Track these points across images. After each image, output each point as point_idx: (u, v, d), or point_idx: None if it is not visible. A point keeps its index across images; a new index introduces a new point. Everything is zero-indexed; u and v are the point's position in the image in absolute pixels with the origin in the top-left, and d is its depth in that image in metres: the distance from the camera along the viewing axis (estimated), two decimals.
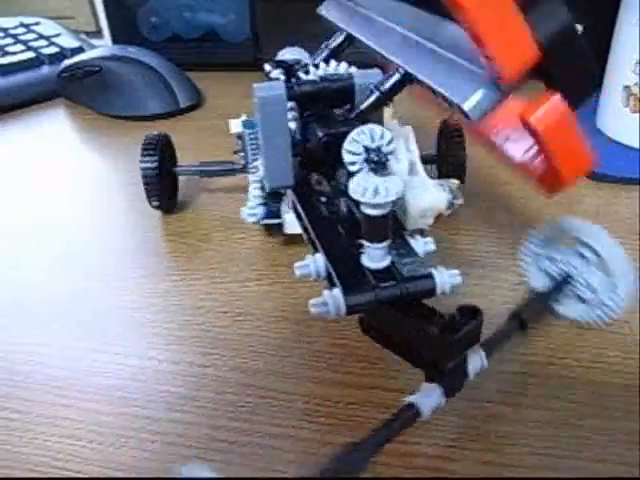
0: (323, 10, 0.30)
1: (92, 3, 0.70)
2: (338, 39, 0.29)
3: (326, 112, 0.23)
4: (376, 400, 0.22)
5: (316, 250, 0.21)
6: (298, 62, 0.27)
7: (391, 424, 0.18)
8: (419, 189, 0.21)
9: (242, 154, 0.32)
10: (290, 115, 0.24)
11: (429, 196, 0.20)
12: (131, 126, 0.47)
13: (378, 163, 0.17)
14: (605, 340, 0.25)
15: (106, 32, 0.69)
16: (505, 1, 0.15)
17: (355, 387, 0.23)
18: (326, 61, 0.26)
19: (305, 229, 0.23)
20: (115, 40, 0.57)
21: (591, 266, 0.22)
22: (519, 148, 0.20)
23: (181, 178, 0.36)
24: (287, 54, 0.31)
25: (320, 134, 0.21)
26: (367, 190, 0.17)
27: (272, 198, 0.30)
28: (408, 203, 0.20)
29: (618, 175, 0.36)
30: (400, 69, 0.22)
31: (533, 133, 0.17)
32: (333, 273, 0.19)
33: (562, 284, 0.22)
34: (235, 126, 0.31)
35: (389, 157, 0.17)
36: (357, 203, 0.18)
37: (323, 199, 0.24)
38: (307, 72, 0.25)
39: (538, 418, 0.21)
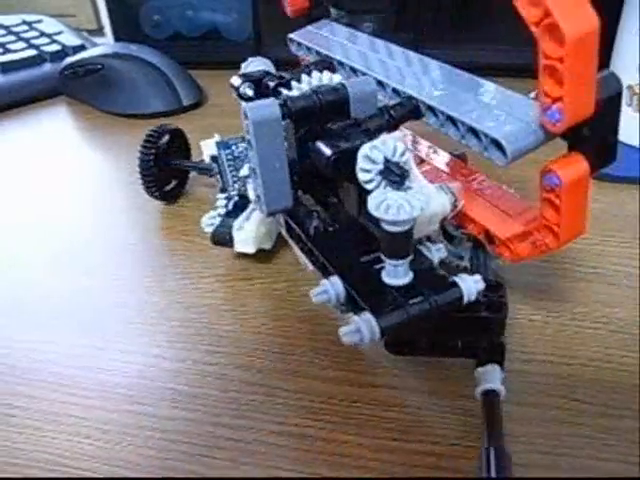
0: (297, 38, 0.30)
1: (94, 1, 0.70)
2: (319, 64, 0.27)
3: (321, 127, 0.21)
4: (380, 398, 0.23)
5: (325, 273, 0.20)
6: (267, 73, 0.26)
7: (491, 414, 0.19)
8: (421, 196, 0.20)
9: (218, 177, 0.31)
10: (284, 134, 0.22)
11: (434, 202, 0.20)
12: (133, 124, 0.47)
13: (398, 177, 0.16)
14: (607, 338, 0.25)
15: (108, 30, 0.69)
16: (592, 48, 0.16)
17: (359, 385, 0.23)
18: (307, 73, 0.24)
19: (309, 251, 0.22)
20: (117, 38, 0.57)
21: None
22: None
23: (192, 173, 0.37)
24: (251, 66, 0.29)
25: (328, 152, 0.19)
26: (390, 207, 0.16)
27: (238, 211, 0.29)
28: None
29: (621, 175, 0.36)
30: (413, 101, 0.22)
31: (556, 185, 0.17)
32: (356, 296, 0.18)
33: None
34: (208, 148, 0.30)
35: (407, 170, 0.16)
36: (375, 220, 0.17)
37: (315, 214, 0.23)
38: (287, 86, 0.24)
39: (541, 416, 0.22)
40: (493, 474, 0.17)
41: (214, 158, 0.30)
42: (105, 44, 0.56)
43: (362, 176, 0.17)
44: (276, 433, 0.21)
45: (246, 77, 0.26)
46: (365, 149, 0.16)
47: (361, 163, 0.16)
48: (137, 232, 0.34)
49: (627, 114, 0.38)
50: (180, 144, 0.36)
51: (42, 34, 0.56)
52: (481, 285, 0.18)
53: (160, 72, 0.48)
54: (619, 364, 0.23)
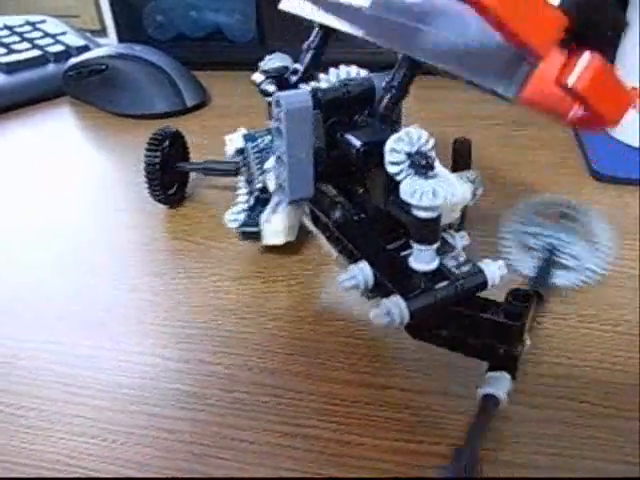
0: (286, 4, 0.29)
1: (97, 2, 0.70)
2: (317, 36, 0.28)
3: (349, 118, 0.22)
4: (392, 400, 0.22)
5: (352, 260, 0.21)
6: (286, 68, 0.27)
7: (482, 418, 0.19)
8: (444, 184, 0.21)
9: (244, 169, 0.31)
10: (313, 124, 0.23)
11: (455, 190, 0.20)
12: (137, 124, 0.47)
13: (425, 166, 0.17)
14: (616, 341, 0.25)
15: (111, 31, 0.69)
16: None
17: (371, 387, 0.23)
18: (315, 61, 0.25)
19: (335, 239, 0.23)
20: (121, 39, 0.57)
21: (574, 235, 0.22)
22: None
23: (192, 175, 0.36)
24: (270, 63, 0.30)
25: (357, 144, 0.20)
26: (424, 194, 0.17)
27: (259, 206, 0.29)
28: None
29: (625, 176, 0.36)
30: (404, 59, 0.21)
31: (574, 94, 0.17)
32: (385, 280, 0.19)
33: (550, 257, 0.23)
34: (234, 142, 0.30)
35: (434, 161, 0.17)
36: (406, 207, 0.18)
37: (339, 205, 0.23)
38: (307, 81, 0.24)
39: (551, 418, 0.21)
40: (460, 475, 0.17)
41: (240, 151, 0.31)
42: (109, 45, 0.56)
43: (391, 169, 0.17)
44: (282, 434, 0.21)
45: (267, 73, 0.26)
46: (391, 142, 0.17)
47: (389, 156, 0.17)
48: (141, 232, 0.34)
49: (632, 116, 0.38)
50: (180, 146, 0.36)
51: (46, 34, 0.56)
52: (504, 271, 0.19)
53: (164, 73, 0.48)
54: (628, 366, 0.23)
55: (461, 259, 0.19)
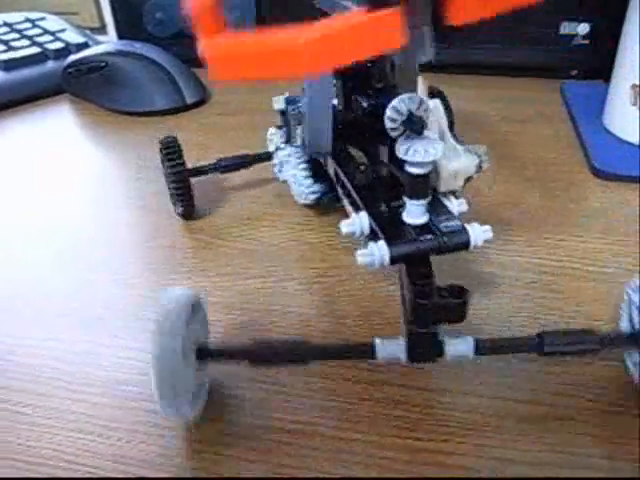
0: None
1: None
2: None
3: (368, 85, 0.24)
4: (388, 395, 0.22)
5: (358, 211, 0.23)
6: None
7: (345, 347, 0.22)
8: (450, 154, 0.22)
9: (284, 129, 0.33)
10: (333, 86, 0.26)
11: (459, 159, 0.22)
12: (136, 122, 0.47)
13: (417, 127, 0.19)
14: None
15: (110, 28, 0.69)
16: None
17: (367, 383, 0.23)
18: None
19: (347, 194, 0.25)
20: (120, 36, 0.57)
21: None
22: None
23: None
24: None
25: (364, 104, 0.23)
26: (411, 150, 0.19)
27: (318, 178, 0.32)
28: (441, 166, 0.22)
29: (626, 174, 0.36)
30: None
31: None
32: (377, 228, 0.21)
33: None
34: (277, 103, 0.32)
35: (426, 123, 0.19)
36: (400, 164, 0.20)
37: (362, 167, 0.25)
38: None
39: (553, 415, 0.21)
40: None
41: (282, 112, 0.33)
42: (109, 42, 0.56)
43: (388, 124, 0.19)
44: (284, 430, 0.21)
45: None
46: (395, 101, 0.19)
47: (389, 112, 0.19)
48: (140, 230, 0.34)
49: (633, 113, 0.38)
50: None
51: (45, 32, 0.56)
52: (489, 235, 0.20)
53: (164, 70, 0.48)
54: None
55: (452, 220, 0.21)
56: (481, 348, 0.21)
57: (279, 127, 0.35)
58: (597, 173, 0.37)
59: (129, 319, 0.27)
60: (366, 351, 0.21)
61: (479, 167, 0.24)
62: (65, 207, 0.36)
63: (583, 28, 0.49)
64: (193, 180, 0.33)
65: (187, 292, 0.21)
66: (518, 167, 0.38)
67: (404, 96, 0.19)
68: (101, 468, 0.20)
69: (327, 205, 0.33)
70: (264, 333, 0.26)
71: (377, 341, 0.21)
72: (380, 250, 0.20)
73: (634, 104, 0.38)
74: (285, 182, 0.34)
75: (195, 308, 0.21)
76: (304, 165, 0.32)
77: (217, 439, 0.21)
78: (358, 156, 0.27)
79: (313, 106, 0.26)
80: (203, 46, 0.16)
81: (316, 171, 0.32)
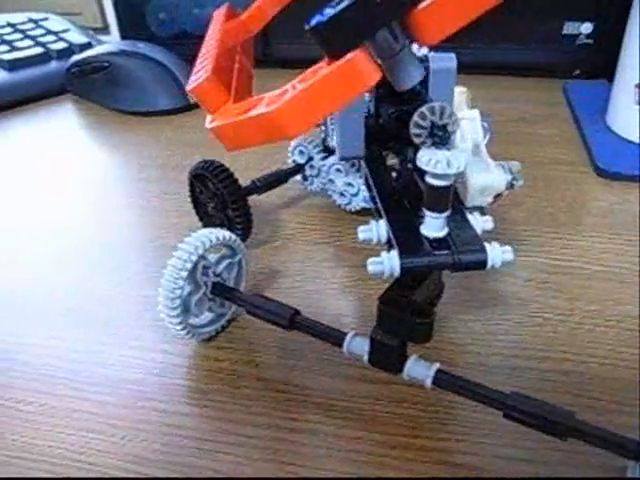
0: None
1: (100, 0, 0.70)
2: None
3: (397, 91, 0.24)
4: (391, 394, 0.22)
5: (380, 217, 0.22)
6: None
7: (324, 330, 0.22)
8: (480, 168, 0.22)
9: (323, 128, 0.33)
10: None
11: (489, 175, 0.21)
12: (140, 122, 0.47)
13: (442, 138, 0.18)
14: (621, 336, 0.25)
15: (113, 28, 0.69)
16: None
17: (371, 382, 0.23)
18: None
19: (373, 199, 0.25)
20: (123, 36, 0.57)
21: None
22: None
23: None
24: None
25: (391, 109, 0.22)
26: (433, 161, 0.18)
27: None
28: (468, 180, 0.21)
29: (629, 173, 0.36)
30: None
31: None
32: (392, 237, 0.20)
33: None
34: None
35: (452, 134, 0.18)
36: (422, 174, 0.19)
37: (394, 174, 0.25)
38: None
39: None
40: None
41: None
42: (112, 42, 0.56)
43: (414, 130, 0.18)
44: (288, 429, 0.21)
45: None
46: (423, 108, 0.18)
47: (415, 119, 0.18)
48: (143, 230, 0.34)
49: (636, 112, 0.38)
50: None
51: (48, 32, 0.56)
52: (509, 256, 0.19)
53: (167, 70, 0.48)
54: (634, 362, 0.23)
55: (472, 238, 0.20)
56: (439, 380, 0.20)
57: (316, 125, 0.33)
58: (601, 172, 0.37)
59: (131, 318, 0.27)
60: (338, 339, 0.22)
61: (510, 184, 0.23)
62: (68, 207, 0.36)
63: (586, 28, 0.48)
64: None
65: (219, 232, 0.24)
66: (522, 166, 0.38)
67: (434, 104, 0.18)
68: (106, 466, 0.20)
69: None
70: None
71: (349, 334, 0.21)
72: (391, 260, 0.19)
73: (637, 103, 0.38)
74: (320, 192, 0.34)
75: (227, 248, 0.25)
76: (360, 173, 0.31)
77: (220, 437, 0.21)
78: (393, 162, 0.27)
79: (345, 109, 0.25)
80: (209, 124, 0.17)
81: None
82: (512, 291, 0.27)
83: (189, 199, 0.32)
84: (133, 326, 0.26)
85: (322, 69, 0.15)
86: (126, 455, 0.21)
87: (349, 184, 0.32)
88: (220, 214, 0.31)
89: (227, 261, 0.25)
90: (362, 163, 0.28)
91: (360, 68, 0.14)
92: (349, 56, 0.14)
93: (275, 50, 0.54)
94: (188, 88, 0.18)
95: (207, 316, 0.25)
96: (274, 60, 0.53)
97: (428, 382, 0.20)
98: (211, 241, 0.24)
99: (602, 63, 0.49)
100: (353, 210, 0.33)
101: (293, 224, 0.33)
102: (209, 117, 0.17)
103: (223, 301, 0.25)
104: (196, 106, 0.49)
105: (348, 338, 0.21)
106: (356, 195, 0.32)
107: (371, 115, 0.26)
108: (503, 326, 0.25)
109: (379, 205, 0.23)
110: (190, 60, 0.50)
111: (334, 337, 0.22)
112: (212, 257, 0.24)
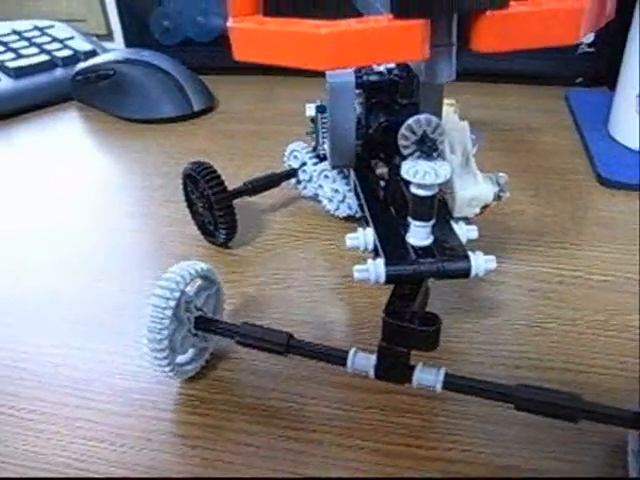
0: None
1: (104, 7, 0.70)
2: None
3: (389, 101, 0.25)
4: (393, 404, 0.23)
5: (368, 225, 0.23)
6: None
7: (323, 350, 0.21)
8: (468, 179, 0.22)
9: (314, 136, 0.34)
10: (356, 101, 0.26)
11: (477, 187, 0.22)
12: (144, 129, 0.47)
13: (429, 149, 0.19)
14: (624, 346, 0.25)
15: (117, 35, 0.70)
16: None
17: (373, 392, 0.23)
18: None
19: (361, 207, 0.25)
20: (128, 44, 0.58)
21: None
22: None
23: None
24: None
25: (382, 120, 0.24)
26: (418, 172, 0.18)
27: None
28: (456, 192, 0.22)
29: (632, 182, 0.36)
30: None
31: None
32: (378, 245, 0.21)
33: None
34: (309, 110, 0.33)
35: (439, 146, 0.19)
36: (407, 184, 0.20)
37: (382, 183, 0.26)
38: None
39: (560, 425, 0.22)
40: None
41: (312, 119, 0.33)
42: (117, 49, 0.56)
43: (401, 141, 0.19)
44: (292, 439, 0.22)
45: None
46: (411, 120, 0.19)
47: (403, 130, 0.19)
48: (148, 237, 0.34)
49: (638, 121, 0.38)
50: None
51: (54, 39, 0.57)
52: (492, 265, 0.20)
53: (171, 78, 0.49)
54: (636, 372, 0.23)
55: (456, 247, 0.20)
56: (450, 384, 0.20)
57: (307, 133, 0.34)
58: (603, 181, 0.37)
59: (137, 327, 0.27)
60: (339, 358, 0.21)
61: (498, 196, 0.24)
62: (72, 214, 0.37)
63: (588, 36, 0.49)
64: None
65: (198, 264, 0.23)
66: (524, 175, 0.38)
67: (421, 116, 0.19)
68: (111, 475, 0.21)
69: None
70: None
71: (351, 351, 0.21)
72: (376, 268, 0.20)
73: (636, 111, 0.38)
74: (312, 197, 0.34)
75: (205, 280, 0.24)
76: (346, 179, 0.32)
77: (226, 446, 0.21)
78: (380, 171, 0.27)
79: (335, 118, 0.26)
80: (230, 25, 0.16)
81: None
82: (515, 300, 0.28)
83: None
84: (138, 335, 0.26)
85: (382, 20, 0.15)
86: (131, 464, 0.21)
87: (336, 190, 0.32)
88: (208, 214, 0.32)
89: (206, 293, 0.24)
90: (351, 171, 0.29)
91: (418, 38, 0.15)
92: (414, 22, 0.14)
93: None
94: None
95: (191, 352, 0.24)
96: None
97: (439, 387, 0.20)
98: (190, 274, 0.22)
99: (603, 71, 0.49)
100: (340, 216, 0.33)
101: (280, 228, 0.34)
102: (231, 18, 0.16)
103: (205, 335, 0.24)
104: (200, 114, 0.49)
105: (351, 356, 0.21)
106: (342, 202, 0.32)
107: (362, 125, 0.27)
108: (506, 336, 0.26)
109: (366, 213, 0.24)
110: (194, 68, 0.51)
111: (335, 357, 0.21)
112: (189, 290, 0.23)
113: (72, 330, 0.27)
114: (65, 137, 0.48)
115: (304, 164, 0.34)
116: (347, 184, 0.31)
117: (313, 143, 0.34)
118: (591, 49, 0.49)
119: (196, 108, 0.48)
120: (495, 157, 0.40)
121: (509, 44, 0.15)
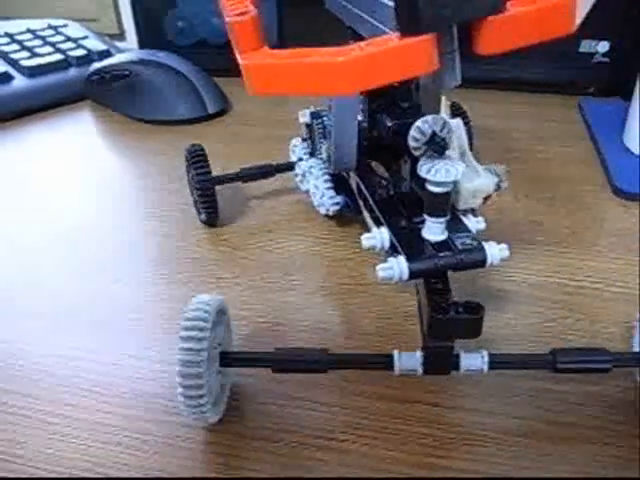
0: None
1: (116, 6, 0.70)
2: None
3: (393, 104, 0.25)
4: (418, 414, 0.23)
5: (379, 225, 0.23)
6: None
7: (364, 358, 0.22)
8: (470, 172, 0.23)
9: (309, 142, 0.35)
10: (358, 107, 0.27)
11: (479, 179, 0.22)
12: (158, 130, 0.47)
13: (440, 148, 0.19)
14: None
15: (129, 34, 0.70)
16: None
17: (399, 401, 0.23)
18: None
19: (369, 208, 0.26)
20: (142, 45, 0.58)
21: None
22: None
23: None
24: None
25: (389, 123, 0.24)
26: (437, 171, 0.19)
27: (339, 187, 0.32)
28: (460, 185, 0.22)
29: None
30: None
31: None
32: (397, 244, 0.21)
33: None
34: (303, 116, 0.34)
35: (448, 144, 0.19)
36: (421, 182, 0.20)
37: (383, 182, 0.26)
38: None
39: (577, 437, 0.22)
40: None
41: (308, 125, 0.34)
42: (131, 50, 0.56)
43: (412, 143, 0.19)
44: (315, 447, 0.22)
45: None
46: (419, 122, 0.19)
47: (413, 132, 0.19)
48: (164, 241, 0.34)
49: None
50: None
51: (68, 39, 0.57)
52: (505, 253, 0.21)
53: (186, 79, 0.49)
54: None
55: (469, 238, 0.21)
56: (495, 363, 0.21)
57: (303, 139, 0.36)
58: (618, 192, 0.37)
59: (158, 331, 0.27)
60: (384, 362, 0.22)
61: (498, 186, 0.24)
62: (86, 215, 0.36)
63: (603, 46, 0.49)
64: (217, 188, 0.34)
65: (214, 298, 0.22)
66: (538, 185, 0.38)
67: (428, 117, 0.19)
68: None
69: (348, 216, 0.33)
70: (286, 344, 0.26)
71: (395, 353, 0.22)
72: (400, 265, 0.20)
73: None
74: (307, 192, 0.34)
75: (220, 313, 0.22)
76: (326, 177, 0.32)
77: (249, 454, 0.21)
78: (380, 171, 0.28)
79: (339, 123, 0.27)
80: (243, 60, 0.17)
81: (338, 183, 0.32)
82: (530, 311, 0.28)
83: None
84: (158, 340, 0.27)
85: (392, 40, 0.15)
86: (153, 469, 0.21)
87: (316, 187, 0.33)
88: (196, 194, 0.34)
89: (222, 326, 0.23)
90: (351, 173, 0.29)
91: (428, 52, 0.15)
92: (423, 37, 0.15)
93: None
94: (229, 20, 0.17)
95: (217, 389, 0.22)
96: None
97: (485, 368, 0.21)
98: (213, 308, 0.21)
99: (618, 81, 0.49)
100: (323, 213, 0.33)
101: (274, 219, 0.35)
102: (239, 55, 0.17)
103: (225, 370, 0.23)
104: (215, 116, 0.49)
105: (396, 359, 0.21)
106: (322, 199, 0.33)
107: (364, 128, 0.27)
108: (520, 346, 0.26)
109: (377, 214, 0.24)
110: (208, 70, 0.51)
111: (382, 363, 0.22)
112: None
113: (92, 334, 0.27)
114: (79, 137, 0.48)
115: (300, 159, 0.35)
116: (325, 181, 0.32)
117: (309, 150, 0.35)
118: (606, 59, 0.49)
119: (210, 110, 0.49)
120: (509, 166, 0.40)
121: (509, 44, 0.16)
